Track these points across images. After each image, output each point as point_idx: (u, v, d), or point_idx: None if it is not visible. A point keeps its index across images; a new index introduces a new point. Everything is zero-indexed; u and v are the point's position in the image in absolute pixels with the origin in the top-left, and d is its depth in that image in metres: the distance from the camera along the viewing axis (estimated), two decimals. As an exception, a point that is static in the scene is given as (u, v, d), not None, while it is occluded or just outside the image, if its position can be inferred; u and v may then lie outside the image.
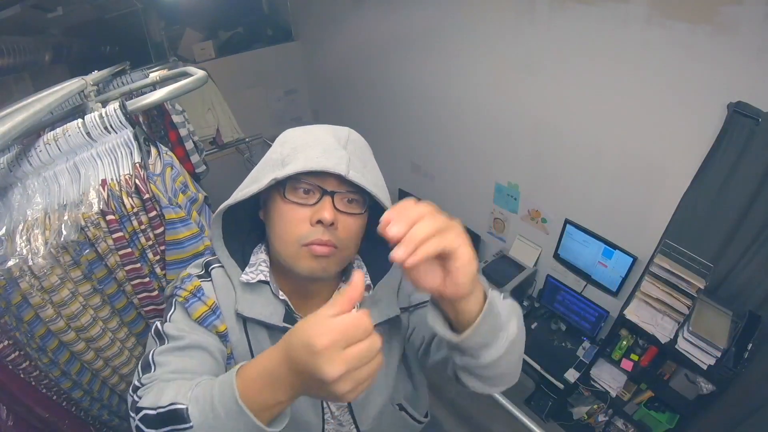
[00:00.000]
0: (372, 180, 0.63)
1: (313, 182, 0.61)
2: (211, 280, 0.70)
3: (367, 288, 0.72)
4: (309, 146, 0.62)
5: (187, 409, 0.49)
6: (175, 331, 0.64)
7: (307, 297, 0.72)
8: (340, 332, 0.42)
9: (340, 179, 0.60)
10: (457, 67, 2.62)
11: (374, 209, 0.65)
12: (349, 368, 0.41)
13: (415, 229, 0.45)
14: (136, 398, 0.54)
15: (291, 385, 0.46)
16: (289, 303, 0.70)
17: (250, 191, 0.61)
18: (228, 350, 0.69)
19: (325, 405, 0.74)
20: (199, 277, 0.71)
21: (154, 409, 0.50)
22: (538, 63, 2.19)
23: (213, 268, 0.71)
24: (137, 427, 0.51)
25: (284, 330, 0.67)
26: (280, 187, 0.62)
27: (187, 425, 0.48)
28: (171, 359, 0.60)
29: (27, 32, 1.92)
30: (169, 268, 1.07)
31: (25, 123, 0.76)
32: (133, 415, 0.52)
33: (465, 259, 0.47)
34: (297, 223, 0.62)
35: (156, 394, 0.52)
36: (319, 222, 0.60)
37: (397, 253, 0.44)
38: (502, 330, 0.55)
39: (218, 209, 0.65)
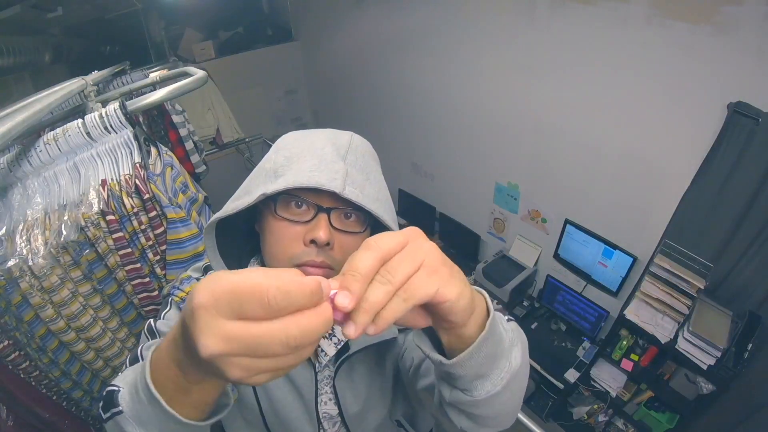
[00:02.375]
0: (373, 195, 0.57)
1: (307, 198, 0.55)
2: None
3: None
4: (303, 157, 0.56)
5: (119, 391, 0.45)
6: (167, 328, 0.63)
7: None
8: (229, 291, 0.29)
9: (337, 194, 0.54)
10: (457, 66, 2.62)
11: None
12: (233, 349, 0.29)
13: (369, 291, 0.34)
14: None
15: (190, 358, 0.35)
16: None
17: (241, 204, 0.56)
18: None
19: (321, 419, 0.73)
20: (198, 281, 0.70)
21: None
22: (538, 63, 2.19)
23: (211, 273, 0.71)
24: (99, 412, 0.49)
25: None
26: (271, 202, 0.56)
27: (117, 409, 0.44)
28: None
29: (27, 32, 1.92)
30: (169, 268, 1.07)
31: (25, 123, 0.76)
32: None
33: (449, 298, 0.37)
34: (289, 242, 0.56)
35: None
36: (313, 242, 0.54)
37: (348, 331, 0.33)
38: (502, 358, 0.46)
39: (210, 221, 0.61)
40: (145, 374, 0.39)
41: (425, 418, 0.84)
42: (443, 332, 0.43)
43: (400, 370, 0.75)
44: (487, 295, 0.46)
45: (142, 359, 0.56)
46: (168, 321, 0.65)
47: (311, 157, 0.56)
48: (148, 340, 0.62)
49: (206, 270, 0.72)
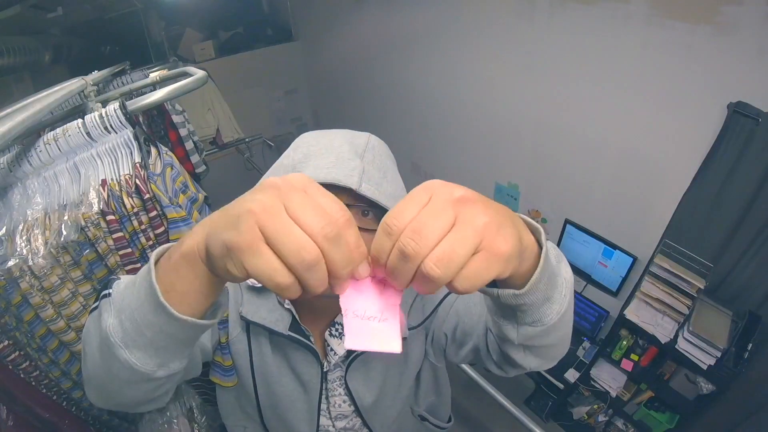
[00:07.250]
0: (390, 192, 0.59)
1: None
2: None
3: None
4: (321, 154, 0.58)
5: (118, 280, 0.47)
6: None
7: (314, 311, 0.70)
8: (300, 184, 0.32)
9: (354, 191, 0.55)
10: (457, 66, 2.62)
11: None
12: (257, 242, 0.29)
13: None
14: None
15: (204, 239, 0.35)
16: (295, 313, 0.68)
17: None
18: (224, 338, 0.68)
19: (321, 417, 0.73)
20: None
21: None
22: (538, 63, 2.19)
23: None
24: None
25: (289, 338, 0.66)
26: None
27: (108, 291, 0.45)
28: None
29: (27, 32, 1.92)
30: (173, 268, 1.07)
31: (25, 123, 0.76)
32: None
33: (504, 271, 0.35)
34: None
35: None
36: None
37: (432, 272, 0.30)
38: (558, 275, 0.44)
39: None
40: (152, 259, 0.40)
41: (444, 405, 0.87)
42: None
43: (433, 356, 0.76)
44: (530, 222, 0.42)
45: None
46: None
47: (329, 154, 0.58)
48: None
49: None
